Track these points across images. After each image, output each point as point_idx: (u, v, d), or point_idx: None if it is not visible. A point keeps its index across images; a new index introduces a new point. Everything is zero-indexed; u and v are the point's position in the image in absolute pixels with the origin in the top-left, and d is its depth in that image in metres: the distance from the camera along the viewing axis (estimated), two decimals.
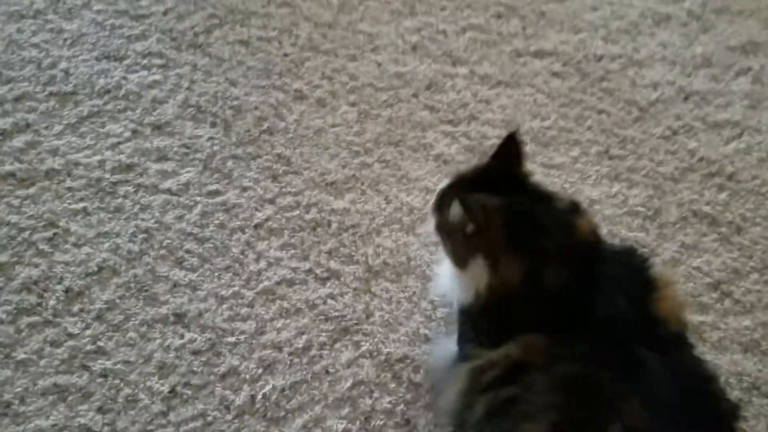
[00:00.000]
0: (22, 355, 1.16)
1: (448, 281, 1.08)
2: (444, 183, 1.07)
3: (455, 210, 0.97)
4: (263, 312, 1.24)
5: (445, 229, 1.03)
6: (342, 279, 1.30)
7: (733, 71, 1.72)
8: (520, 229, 0.95)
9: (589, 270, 0.94)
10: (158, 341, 1.19)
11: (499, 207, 0.95)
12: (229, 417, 1.12)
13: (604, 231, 1.03)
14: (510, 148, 1.02)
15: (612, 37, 1.77)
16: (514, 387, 0.88)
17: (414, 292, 1.28)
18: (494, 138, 1.53)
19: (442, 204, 1.04)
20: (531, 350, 0.90)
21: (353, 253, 1.33)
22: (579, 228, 0.96)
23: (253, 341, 1.20)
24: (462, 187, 1.02)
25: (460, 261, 1.01)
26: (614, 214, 1.41)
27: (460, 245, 1.00)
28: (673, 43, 1.77)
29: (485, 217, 0.95)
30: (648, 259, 1.02)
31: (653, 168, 1.50)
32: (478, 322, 1.00)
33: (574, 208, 0.98)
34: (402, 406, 1.14)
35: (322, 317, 1.24)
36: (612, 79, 1.67)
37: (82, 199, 1.36)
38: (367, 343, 1.21)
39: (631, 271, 0.99)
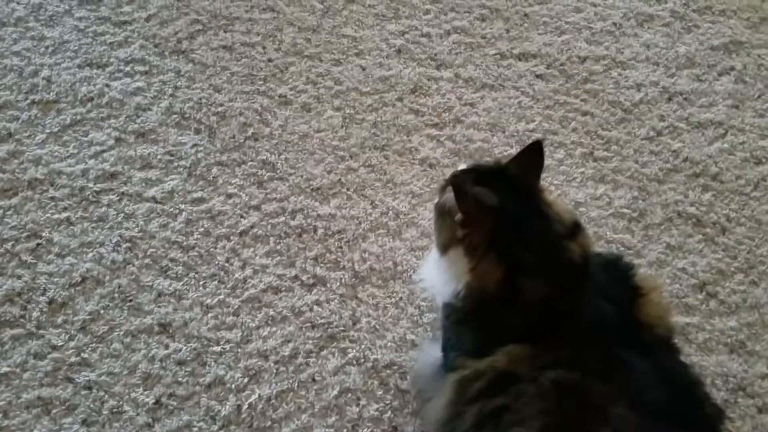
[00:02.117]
0: (5, 368, 1.15)
1: (432, 270, 1.08)
2: (460, 166, 1.08)
3: (450, 196, 0.97)
4: (249, 320, 1.24)
5: (440, 211, 1.04)
6: (328, 285, 1.29)
7: (716, 71, 1.73)
8: (505, 236, 0.95)
9: (571, 288, 0.94)
10: (143, 352, 1.18)
11: (493, 207, 0.95)
12: (215, 428, 1.11)
13: (589, 233, 1.03)
14: (531, 156, 1.01)
15: (595, 38, 1.77)
16: (502, 397, 0.88)
17: (401, 298, 1.28)
18: (479, 141, 1.53)
19: (447, 186, 1.04)
20: (517, 360, 0.90)
21: (339, 259, 1.33)
22: (568, 251, 0.95)
23: (239, 350, 1.20)
24: (473, 176, 1.02)
25: (443, 246, 1.02)
26: (599, 216, 1.42)
27: (447, 231, 1.01)
28: (657, 44, 1.77)
29: (477, 212, 0.95)
30: (633, 265, 1.03)
31: (638, 169, 1.51)
32: (462, 330, 1.00)
33: (573, 230, 0.97)
34: (389, 413, 1.14)
35: (309, 324, 1.24)
36: (596, 81, 1.67)
37: (65, 209, 1.35)
38: (354, 350, 1.21)
39: (616, 277, 1.00)
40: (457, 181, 0.96)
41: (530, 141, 1.50)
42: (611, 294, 0.97)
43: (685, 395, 0.93)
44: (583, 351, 0.91)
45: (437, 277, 1.04)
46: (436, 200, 1.08)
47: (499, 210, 0.95)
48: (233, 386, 1.16)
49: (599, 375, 0.89)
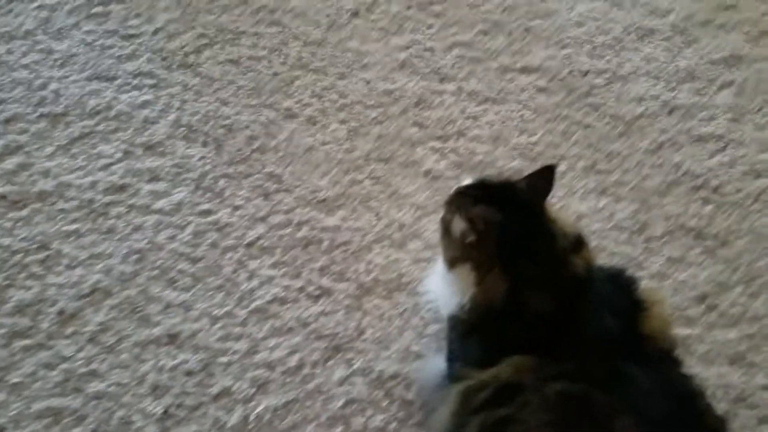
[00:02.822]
0: (16, 379, 1.17)
1: (438, 283, 1.10)
2: (466, 181, 1.10)
3: (459, 222, 0.98)
4: (256, 331, 1.25)
5: (446, 226, 1.05)
6: (334, 296, 1.31)
7: (716, 85, 1.75)
8: (510, 250, 0.97)
9: (575, 301, 0.96)
10: (151, 362, 1.20)
11: (497, 222, 0.97)
12: None
13: (592, 245, 1.06)
14: (542, 178, 1.04)
15: (597, 52, 1.79)
16: (507, 407, 0.90)
17: (405, 309, 1.30)
18: (482, 154, 1.55)
19: (453, 202, 1.06)
20: (522, 371, 0.91)
21: (345, 271, 1.34)
22: (571, 265, 0.97)
23: (246, 361, 1.21)
24: (478, 193, 1.04)
25: (450, 261, 1.04)
26: (601, 229, 1.43)
27: (454, 247, 1.02)
28: (657, 58, 1.79)
29: (485, 229, 0.97)
30: (636, 279, 1.04)
31: (639, 182, 1.52)
32: (467, 342, 1.02)
33: (576, 244, 0.99)
34: (394, 424, 1.15)
35: (315, 335, 1.26)
36: (597, 94, 1.69)
37: (74, 221, 1.37)
38: (360, 361, 1.23)
39: (619, 291, 1.02)
40: (463, 210, 0.98)
41: (528, 153, 1.55)
42: (614, 307, 0.98)
43: (687, 407, 0.94)
44: (587, 363, 0.92)
45: (443, 290, 1.06)
46: (441, 214, 1.10)
47: (503, 225, 0.97)
48: (240, 397, 1.17)
49: (603, 387, 0.90)
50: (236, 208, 1.42)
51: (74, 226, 1.36)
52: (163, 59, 1.68)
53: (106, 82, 1.62)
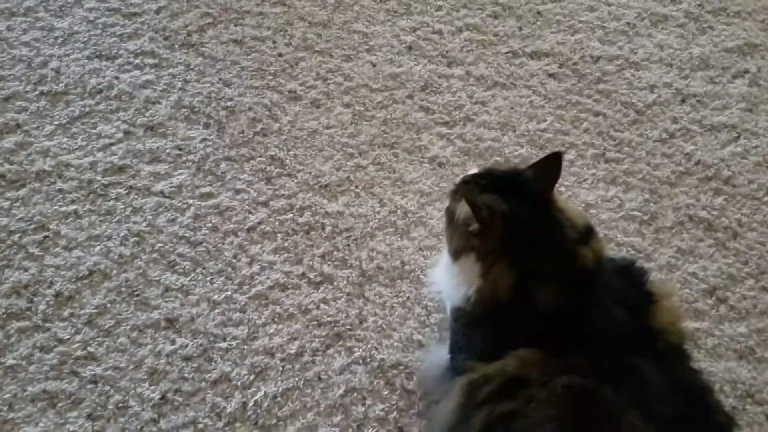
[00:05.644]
0: (11, 361, 1.15)
1: (443, 274, 1.08)
2: (471, 171, 1.07)
3: (464, 208, 0.96)
4: (256, 317, 1.23)
5: (452, 217, 1.03)
6: (335, 283, 1.28)
7: (730, 73, 1.71)
8: (517, 242, 0.94)
9: (584, 294, 0.93)
10: (149, 347, 1.18)
11: (504, 213, 0.95)
12: (220, 424, 1.11)
13: (600, 235, 1.03)
14: (548, 166, 1.01)
15: (609, 38, 1.76)
16: (512, 401, 0.87)
17: (408, 297, 1.27)
18: (489, 140, 1.52)
19: (458, 191, 1.04)
20: (528, 364, 0.89)
21: (347, 257, 1.32)
22: (580, 257, 0.94)
23: (245, 347, 1.19)
24: (485, 182, 1.01)
25: (455, 252, 1.01)
26: (610, 219, 1.41)
27: (459, 237, 1.00)
28: (670, 45, 1.76)
29: (489, 219, 0.94)
30: (646, 271, 1.02)
31: (649, 172, 1.49)
32: (471, 334, 0.99)
33: (586, 235, 0.96)
34: (395, 413, 1.13)
35: (315, 322, 1.23)
36: (609, 81, 1.66)
37: (73, 202, 1.35)
38: (360, 349, 1.20)
39: (629, 284, 0.99)
40: (468, 197, 0.96)
41: (537, 140, 1.52)
42: (624, 300, 0.96)
43: (696, 403, 0.92)
44: (595, 357, 0.90)
45: (448, 281, 1.04)
46: (446, 204, 1.07)
47: (510, 216, 0.95)
48: (239, 383, 1.15)
49: (612, 382, 0.88)
50: (237, 191, 1.40)
51: (73, 207, 1.34)
52: (166, 38, 1.65)
53: (107, 60, 1.59)
